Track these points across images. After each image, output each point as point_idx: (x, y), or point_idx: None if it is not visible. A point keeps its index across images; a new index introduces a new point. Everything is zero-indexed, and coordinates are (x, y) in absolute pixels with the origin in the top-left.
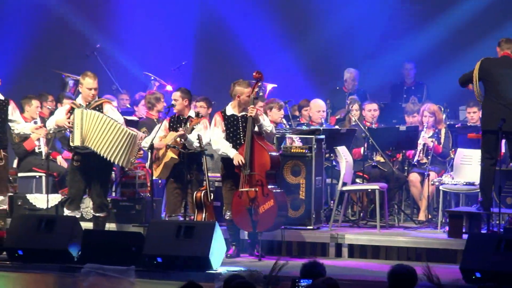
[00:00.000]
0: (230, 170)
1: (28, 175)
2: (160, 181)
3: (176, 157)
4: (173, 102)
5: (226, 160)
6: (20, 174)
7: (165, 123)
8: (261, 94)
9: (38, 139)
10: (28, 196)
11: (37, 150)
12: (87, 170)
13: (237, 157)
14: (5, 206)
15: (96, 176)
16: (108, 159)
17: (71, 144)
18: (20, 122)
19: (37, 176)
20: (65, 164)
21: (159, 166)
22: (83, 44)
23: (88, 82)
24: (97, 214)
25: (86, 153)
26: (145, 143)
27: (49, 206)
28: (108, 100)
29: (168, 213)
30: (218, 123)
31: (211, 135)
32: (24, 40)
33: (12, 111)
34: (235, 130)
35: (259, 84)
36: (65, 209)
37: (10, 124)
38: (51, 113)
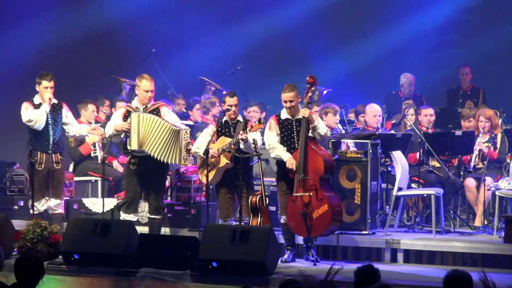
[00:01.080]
0: (285, 174)
1: (83, 179)
2: (211, 186)
3: (229, 161)
4: (230, 106)
5: (281, 164)
6: (76, 178)
7: (213, 128)
8: (315, 98)
9: (94, 144)
10: (84, 200)
11: (92, 155)
12: (143, 173)
13: (290, 161)
14: (61, 210)
15: (152, 178)
16: (162, 160)
17: (128, 147)
18: (74, 125)
19: (93, 181)
20: (120, 169)
21: (212, 171)
22: (138, 49)
23: (145, 85)
24: (153, 216)
25: (143, 156)
26: (196, 148)
27: (105, 210)
28: (164, 103)
29: (222, 219)
30: (273, 126)
31: (266, 138)
32: (82, 45)
33: (66, 114)
34: (289, 134)
35: (312, 88)
36: (121, 213)
37: (64, 127)
38: (107, 117)
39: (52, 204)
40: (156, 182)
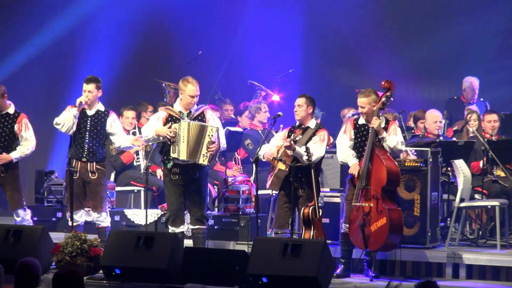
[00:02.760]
0: (352, 181)
1: (125, 189)
2: (272, 193)
3: (284, 168)
4: (295, 110)
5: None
6: (117, 188)
7: (285, 132)
8: (388, 104)
9: (137, 152)
10: (126, 211)
11: (135, 163)
12: (186, 182)
13: (353, 167)
14: (106, 224)
15: (195, 187)
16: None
17: (172, 155)
18: (120, 135)
19: (135, 191)
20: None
21: (271, 177)
22: (184, 52)
23: (191, 89)
24: (197, 227)
25: (184, 165)
26: (260, 151)
27: (148, 222)
28: (208, 107)
29: (276, 228)
30: (348, 130)
31: (338, 141)
32: (124, 49)
33: (111, 123)
34: (362, 140)
35: (388, 94)
36: (170, 227)
37: (110, 137)
38: None
39: (94, 217)
40: (198, 191)
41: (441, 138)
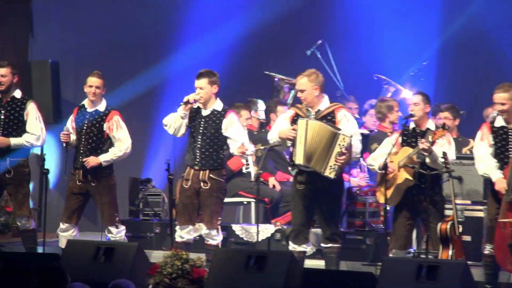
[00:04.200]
0: (495, 195)
1: (233, 200)
2: (388, 208)
3: (411, 178)
4: (410, 109)
5: (493, 183)
6: (224, 200)
7: (397, 136)
8: None
9: (246, 158)
10: (234, 226)
11: (244, 171)
12: (314, 193)
13: (499, 184)
14: (216, 241)
15: (324, 199)
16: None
17: (293, 159)
18: (237, 140)
19: (245, 203)
20: (278, 187)
21: (389, 190)
22: (301, 41)
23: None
24: (329, 245)
25: (313, 172)
26: (372, 160)
27: (260, 239)
28: (342, 105)
29: (396, 249)
30: (485, 136)
31: (475, 150)
32: (234, 40)
33: (227, 125)
34: (503, 145)
35: None
36: (290, 243)
37: (228, 142)
38: (262, 125)
39: (203, 233)
40: (329, 203)
41: None
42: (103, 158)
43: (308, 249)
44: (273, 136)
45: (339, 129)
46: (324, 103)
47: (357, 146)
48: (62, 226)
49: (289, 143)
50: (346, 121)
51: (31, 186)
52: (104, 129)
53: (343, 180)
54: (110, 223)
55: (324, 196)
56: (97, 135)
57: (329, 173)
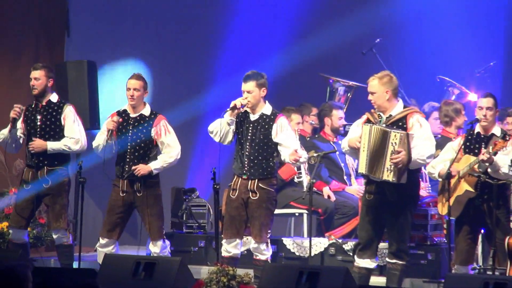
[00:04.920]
0: None
1: (284, 212)
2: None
3: (473, 190)
4: (482, 114)
5: None
6: (276, 211)
7: (460, 141)
8: None
9: (298, 166)
10: (285, 240)
11: (296, 180)
12: (384, 204)
13: None
14: (265, 256)
15: (393, 212)
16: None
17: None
18: (289, 146)
19: (297, 214)
20: (333, 198)
21: (450, 201)
22: (357, 40)
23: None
24: (393, 261)
25: (382, 182)
26: (431, 168)
27: (313, 254)
28: (416, 110)
29: (458, 264)
30: None
31: None
32: (285, 40)
33: (277, 130)
34: None
35: None
36: (355, 258)
37: (279, 148)
38: (314, 130)
39: (252, 247)
40: (396, 216)
41: None
42: (154, 165)
43: (373, 266)
44: (344, 145)
45: (392, 128)
46: (397, 108)
47: (422, 148)
48: (102, 241)
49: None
50: (419, 126)
51: None
52: (152, 135)
53: (417, 192)
54: (159, 236)
55: (394, 208)
56: (145, 141)
57: (387, 175)
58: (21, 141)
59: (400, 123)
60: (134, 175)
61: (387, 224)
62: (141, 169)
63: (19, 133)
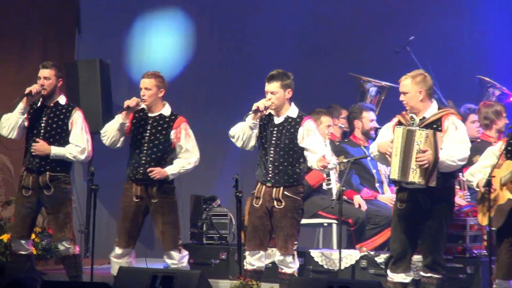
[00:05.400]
0: None
1: (312, 222)
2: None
3: None
4: None
5: None
6: (302, 221)
7: (501, 146)
8: None
9: (327, 172)
10: (313, 252)
11: (325, 187)
12: (417, 213)
13: None
14: (292, 269)
15: (429, 221)
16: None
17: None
18: (316, 151)
19: (325, 224)
20: (364, 207)
21: (491, 210)
22: (389, 38)
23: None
24: (428, 275)
25: (414, 190)
26: (469, 175)
27: (343, 267)
28: (452, 111)
29: (499, 279)
30: None
31: None
32: (313, 37)
33: (303, 134)
34: None
35: None
36: (388, 272)
37: (305, 153)
38: (344, 134)
39: (277, 259)
40: (431, 227)
41: None
42: (170, 170)
43: (408, 280)
44: (373, 150)
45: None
46: (431, 110)
47: (454, 150)
48: (118, 251)
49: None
50: (454, 129)
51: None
52: (171, 138)
53: (453, 200)
54: (173, 246)
55: (428, 217)
56: (163, 143)
57: (413, 177)
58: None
59: (435, 126)
60: (148, 179)
61: (420, 235)
62: (157, 172)
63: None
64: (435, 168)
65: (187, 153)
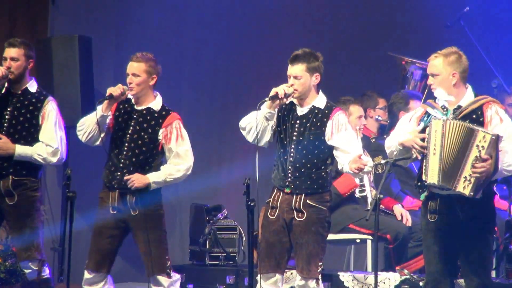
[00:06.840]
0: None
1: (341, 238)
2: None
3: None
4: None
5: None
6: (329, 237)
7: None
8: None
9: (361, 177)
10: (342, 275)
11: (357, 194)
12: (453, 227)
13: None
14: None
15: (470, 236)
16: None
17: (424, 178)
18: (348, 151)
19: (358, 241)
20: (408, 219)
21: None
22: (439, 10)
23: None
24: None
25: (449, 196)
26: None
27: None
28: (493, 99)
29: None
30: None
31: None
32: (345, 12)
33: (331, 130)
34: None
35: None
36: None
37: (334, 152)
38: (381, 128)
39: (297, 284)
40: (473, 242)
41: None
42: (154, 177)
43: None
44: (391, 144)
45: (479, 126)
46: (467, 97)
47: (509, 154)
48: (88, 276)
49: (415, 154)
50: (499, 120)
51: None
52: (159, 137)
53: (494, 207)
54: (159, 269)
55: (468, 232)
56: (148, 144)
57: (463, 188)
58: None
59: (474, 116)
60: (126, 186)
61: (462, 252)
62: (135, 180)
63: None
64: (489, 179)
65: (178, 159)
